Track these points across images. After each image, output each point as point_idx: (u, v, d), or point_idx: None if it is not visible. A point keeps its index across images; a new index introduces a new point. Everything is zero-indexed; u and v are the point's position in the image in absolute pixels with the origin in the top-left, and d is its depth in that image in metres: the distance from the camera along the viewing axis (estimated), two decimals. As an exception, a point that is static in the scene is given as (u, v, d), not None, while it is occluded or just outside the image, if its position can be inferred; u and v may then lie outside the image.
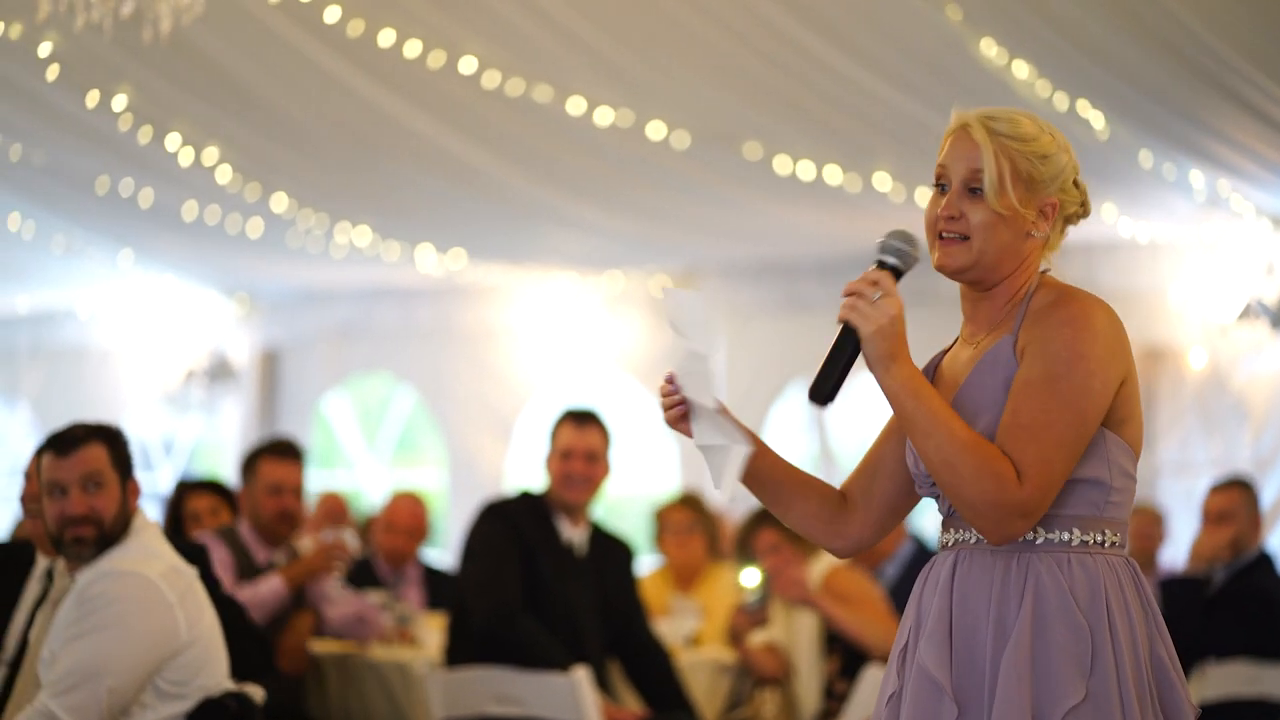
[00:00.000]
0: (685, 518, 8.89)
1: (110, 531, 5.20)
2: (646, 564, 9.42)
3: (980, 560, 3.39)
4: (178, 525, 7.79)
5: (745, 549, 7.79)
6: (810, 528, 3.61)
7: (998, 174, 3.38)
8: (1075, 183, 3.47)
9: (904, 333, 3.31)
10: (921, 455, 3.32)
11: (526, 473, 13.32)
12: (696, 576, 8.79)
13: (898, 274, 3.36)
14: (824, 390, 3.34)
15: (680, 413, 3.46)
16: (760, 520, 7.80)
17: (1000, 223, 3.39)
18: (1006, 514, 3.26)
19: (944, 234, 3.43)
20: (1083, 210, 3.50)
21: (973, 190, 3.41)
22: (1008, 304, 3.45)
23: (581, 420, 7.20)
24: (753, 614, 7.71)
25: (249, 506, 7.49)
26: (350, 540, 7.53)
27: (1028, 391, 3.29)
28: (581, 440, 7.14)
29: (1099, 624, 3.29)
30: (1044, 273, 3.47)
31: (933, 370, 3.57)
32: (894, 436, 3.61)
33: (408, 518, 9.24)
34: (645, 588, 7.88)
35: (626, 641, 7.30)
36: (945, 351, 3.59)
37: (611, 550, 7.34)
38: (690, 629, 8.20)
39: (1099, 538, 3.35)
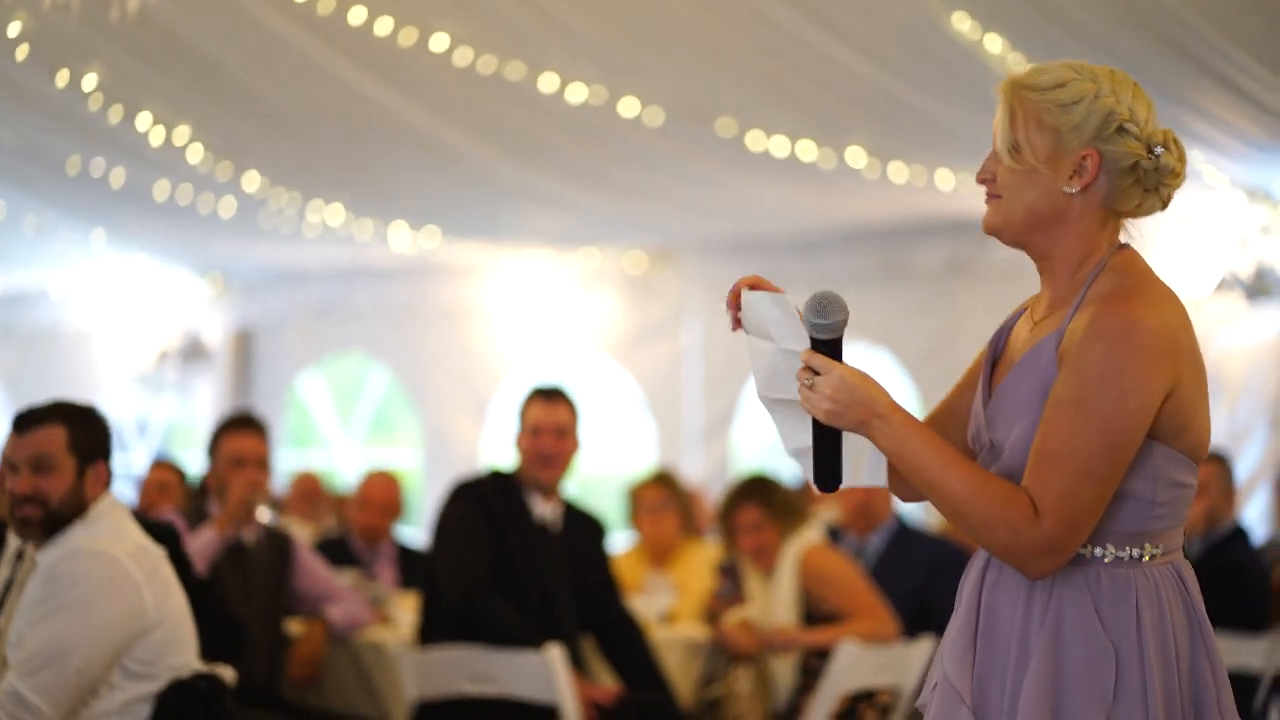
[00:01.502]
0: (659, 495, 8.89)
1: (57, 513, 5.15)
2: (621, 541, 9.41)
3: (1010, 570, 3.22)
4: None
5: (727, 526, 7.75)
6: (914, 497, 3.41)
7: (1007, 130, 3.20)
8: (1127, 130, 3.18)
9: (866, 391, 3.13)
10: (933, 504, 3.19)
11: (502, 451, 13.29)
12: (670, 553, 8.78)
13: (833, 343, 3.17)
14: (824, 479, 3.24)
15: (737, 318, 3.28)
16: (741, 497, 7.75)
17: (1023, 180, 3.20)
18: (1028, 557, 3.09)
19: (986, 197, 3.28)
20: (1151, 161, 3.20)
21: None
22: (1071, 279, 3.25)
23: (549, 396, 7.20)
24: (728, 598, 7.70)
25: (216, 484, 7.34)
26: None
27: (1058, 413, 3.09)
28: (550, 416, 7.14)
29: (1127, 644, 3.14)
30: (1123, 247, 3.28)
31: (1004, 336, 3.37)
32: (969, 390, 3.41)
33: (381, 494, 9.26)
34: (620, 565, 7.88)
35: (600, 618, 7.30)
36: (1020, 313, 3.38)
37: (584, 526, 7.34)
38: (664, 606, 8.19)
39: (1137, 553, 3.17)
